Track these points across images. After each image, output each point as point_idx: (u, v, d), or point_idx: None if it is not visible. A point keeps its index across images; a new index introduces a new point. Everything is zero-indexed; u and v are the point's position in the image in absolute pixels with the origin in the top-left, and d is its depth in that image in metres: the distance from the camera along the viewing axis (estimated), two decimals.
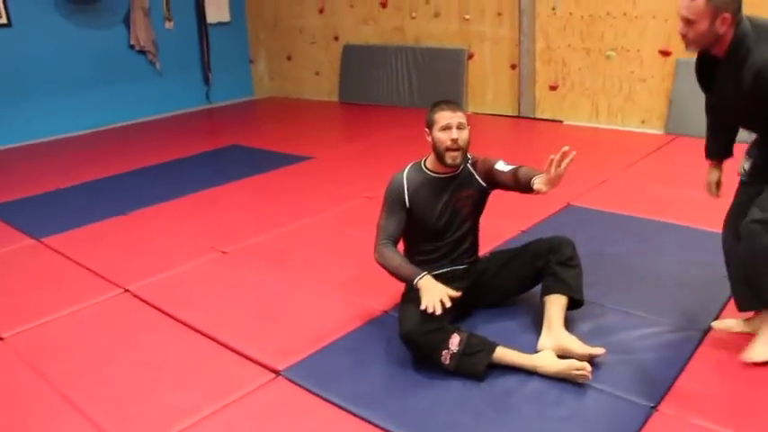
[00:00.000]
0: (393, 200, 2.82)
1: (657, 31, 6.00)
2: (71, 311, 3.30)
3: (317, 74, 8.87)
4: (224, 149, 6.52)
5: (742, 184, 2.69)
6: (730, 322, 2.77)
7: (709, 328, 2.75)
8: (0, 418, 2.50)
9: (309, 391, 2.51)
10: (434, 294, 2.51)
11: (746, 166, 2.65)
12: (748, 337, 2.62)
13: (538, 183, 2.60)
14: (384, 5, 7.88)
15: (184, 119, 8.28)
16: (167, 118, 8.33)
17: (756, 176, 2.58)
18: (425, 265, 2.82)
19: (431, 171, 2.85)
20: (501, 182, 2.82)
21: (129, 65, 8.06)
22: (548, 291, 2.77)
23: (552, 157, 2.50)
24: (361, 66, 8.23)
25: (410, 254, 2.92)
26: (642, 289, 3.13)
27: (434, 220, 2.83)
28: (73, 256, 3.99)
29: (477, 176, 2.87)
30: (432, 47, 7.57)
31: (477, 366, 2.48)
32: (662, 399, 2.34)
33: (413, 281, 2.62)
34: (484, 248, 3.45)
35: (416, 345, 2.54)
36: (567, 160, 2.49)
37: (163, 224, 4.45)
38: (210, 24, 8.72)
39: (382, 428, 2.27)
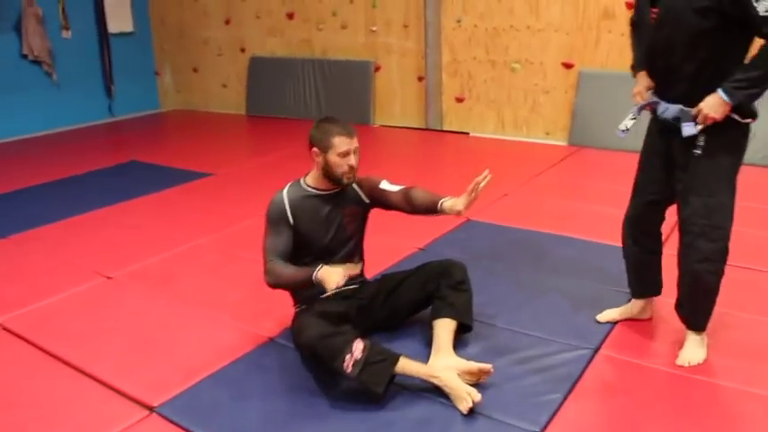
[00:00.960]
0: (276, 219, 2.70)
1: (560, 43, 6.10)
2: None
3: (224, 86, 8.65)
4: (121, 166, 6.23)
5: (645, 171, 2.70)
6: (611, 312, 2.94)
7: (600, 347, 2.75)
8: None
9: (184, 429, 2.36)
10: (336, 275, 2.44)
11: (629, 124, 2.66)
12: (638, 352, 2.67)
13: (453, 205, 2.61)
14: (291, 17, 7.76)
15: (83, 133, 7.90)
16: (65, 132, 7.92)
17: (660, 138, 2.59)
18: (314, 288, 2.66)
19: (313, 188, 2.76)
20: (389, 202, 2.78)
21: (21, 75, 7.61)
22: (437, 314, 2.72)
23: (477, 180, 2.54)
24: (268, 78, 8.07)
25: None
26: (534, 307, 3.10)
27: (320, 238, 2.74)
28: None
29: (360, 194, 2.82)
30: (339, 59, 7.50)
31: (381, 375, 2.38)
32: (547, 424, 2.29)
33: (311, 278, 2.50)
34: (380, 266, 3.41)
35: (319, 351, 2.45)
36: (484, 183, 2.55)
37: (45, 248, 4.17)
38: (112, 34, 8.37)
39: None
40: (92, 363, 2.80)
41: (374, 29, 7.16)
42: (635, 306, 2.93)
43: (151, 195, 5.17)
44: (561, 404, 2.40)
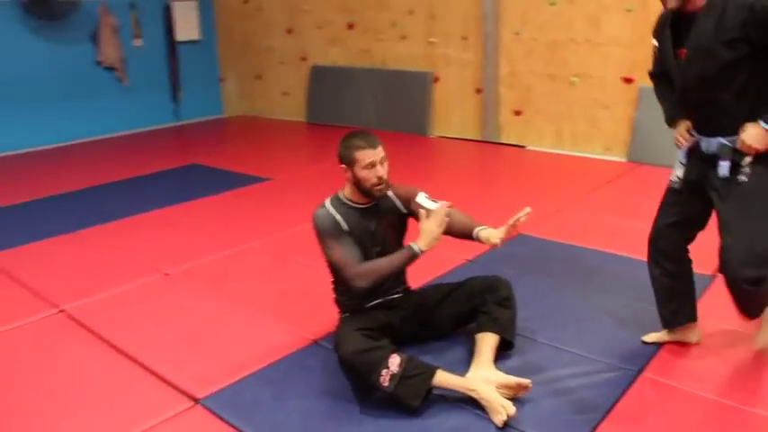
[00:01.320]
0: (333, 232, 2.65)
1: (620, 57, 6.03)
2: (2, 331, 3.23)
3: (285, 94, 8.85)
4: (183, 168, 6.46)
5: (674, 193, 2.71)
6: (658, 334, 2.87)
7: (643, 369, 2.72)
8: None
9: (225, 422, 2.45)
10: (434, 227, 2.53)
11: (680, 173, 2.65)
12: (683, 377, 2.62)
13: (489, 237, 2.66)
14: (351, 27, 7.89)
15: (150, 136, 8.22)
16: (134, 134, 8.26)
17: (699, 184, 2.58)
18: (358, 299, 2.75)
19: (351, 201, 2.75)
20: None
21: (95, 81, 7.99)
22: (480, 328, 2.75)
23: (518, 215, 2.56)
24: (328, 87, 8.22)
25: (341, 290, 2.83)
26: (579, 324, 3.08)
27: (369, 249, 2.72)
28: (14, 272, 3.92)
29: (398, 203, 2.82)
30: (398, 69, 7.59)
31: (418, 389, 2.42)
32: None
33: (413, 255, 2.56)
34: (427, 276, 3.45)
35: (356, 365, 2.47)
36: (523, 218, 2.58)
37: (109, 244, 4.37)
38: (180, 42, 8.68)
39: None
40: (145, 353, 2.94)
41: (433, 40, 7.22)
42: (681, 328, 2.87)
43: (210, 197, 5.35)
44: (597, 424, 2.38)
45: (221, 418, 2.47)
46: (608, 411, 2.44)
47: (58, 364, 2.92)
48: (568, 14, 6.22)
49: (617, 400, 2.51)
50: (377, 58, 7.79)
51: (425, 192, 2.75)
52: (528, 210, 2.57)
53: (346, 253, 2.62)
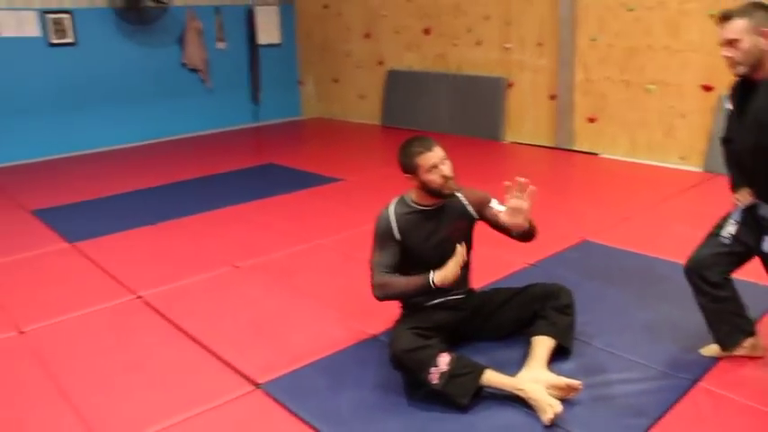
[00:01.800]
0: (384, 236, 2.76)
1: (700, 65, 5.90)
2: (85, 312, 3.49)
3: (361, 97, 9.02)
4: (260, 167, 6.70)
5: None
6: (716, 348, 2.82)
7: (699, 379, 2.69)
8: (2, 404, 2.68)
9: (283, 406, 2.57)
10: (451, 272, 2.57)
11: (732, 230, 2.68)
12: (740, 389, 2.59)
13: (503, 216, 2.65)
14: (428, 33, 7.98)
15: (231, 136, 8.54)
16: (215, 134, 8.61)
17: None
18: (421, 297, 2.82)
19: (418, 204, 2.80)
20: (493, 222, 2.80)
21: (181, 82, 8.39)
22: (537, 332, 2.79)
23: (507, 183, 2.54)
24: (403, 91, 8.34)
25: None
26: (637, 332, 3.07)
27: (426, 253, 2.78)
28: (99, 261, 4.19)
29: (468, 207, 2.85)
30: (473, 74, 7.63)
31: (466, 387, 2.48)
32: None
33: (429, 284, 2.62)
34: (489, 279, 3.50)
35: (405, 363, 2.54)
36: (527, 192, 2.53)
37: (186, 236, 4.61)
38: (261, 46, 8.99)
39: None
40: (212, 338, 3.11)
41: (508, 46, 7.23)
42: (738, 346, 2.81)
43: (284, 196, 5.54)
44: (647, 430, 2.38)
45: (279, 403, 2.59)
46: (659, 419, 2.43)
47: (132, 344, 3.13)
48: (647, 20, 6.13)
49: (669, 408, 2.50)
50: (452, 63, 7.85)
51: (496, 198, 2.83)
52: (528, 187, 2.52)
53: (381, 260, 2.74)
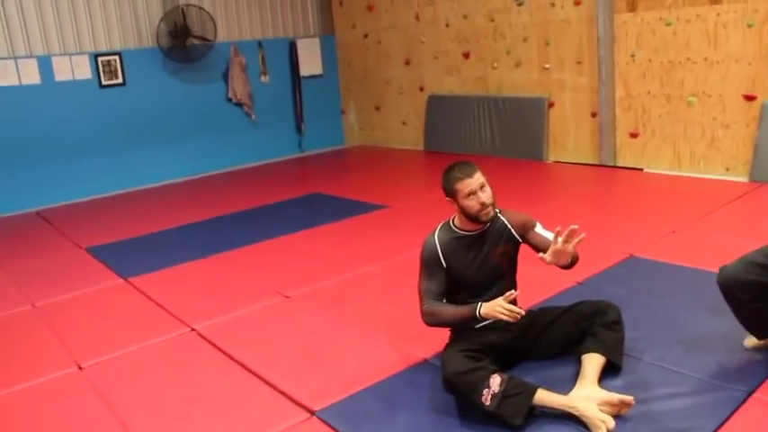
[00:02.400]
0: (430, 263, 2.84)
1: (741, 74, 5.85)
2: (142, 346, 3.61)
3: (403, 123, 9.13)
4: (306, 197, 6.83)
5: None
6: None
7: (755, 390, 2.66)
8: None
9: None
10: (499, 307, 2.60)
11: None
12: None
13: (543, 253, 2.64)
14: (467, 56, 8.07)
15: (276, 167, 8.72)
16: (261, 166, 8.81)
17: None
18: (475, 321, 2.84)
19: (461, 230, 2.87)
20: (537, 246, 2.82)
21: (226, 116, 8.64)
22: (587, 349, 2.79)
23: (558, 229, 2.55)
24: (445, 115, 8.42)
25: None
26: (688, 345, 3.05)
27: (473, 277, 2.85)
28: (153, 295, 4.32)
29: (513, 231, 2.88)
30: (513, 96, 7.67)
31: (519, 407, 2.50)
32: None
33: (475, 314, 2.67)
34: (537, 298, 3.52)
35: (458, 386, 2.58)
36: (576, 240, 2.54)
37: (237, 268, 4.72)
38: (304, 77, 9.20)
39: None
40: (266, 368, 3.19)
41: (547, 66, 7.26)
42: None
43: (330, 224, 5.64)
44: None
45: (335, 429, 2.65)
46: (715, 431, 2.42)
47: (189, 377, 3.23)
48: (685, 33, 6.10)
49: (725, 421, 2.48)
50: (492, 85, 7.91)
51: (540, 221, 2.87)
52: (574, 227, 2.52)
53: (429, 287, 2.83)
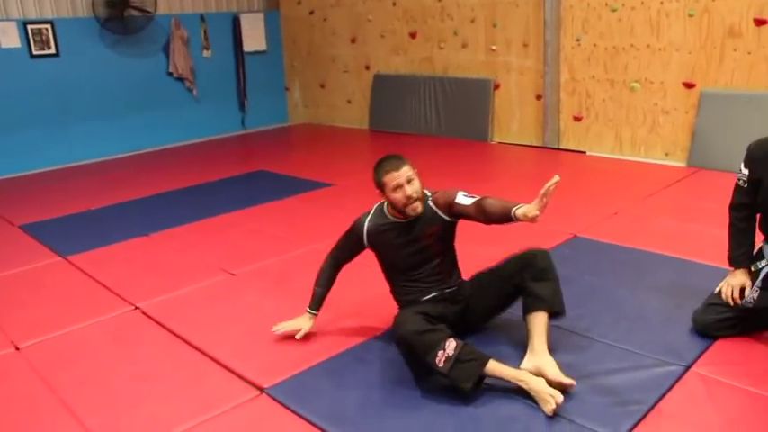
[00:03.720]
0: (349, 239, 3.04)
1: (681, 62, 6.01)
2: (84, 325, 3.49)
3: (348, 102, 9.07)
4: (250, 175, 6.73)
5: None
6: None
7: (692, 364, 2.76)
8: (3, 421, 2.68)
9: (289, 409, 2.61)
10: (291, 325, 3.10)
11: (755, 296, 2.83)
12: (734, 373, 2.68)
13: (526, 212, 2.58)
14: (413, 36, 8.05)
15: (219, 144, 8.56)
16: (203, 143, 8.62)
17: None
18: (412, 295, 2.95)
19: (393, 217, 2.92)
20: (464, 215, 2.82)
21: (167, 92, 8.41)
22: (527, 309, 2.83)
23: (548, 184, 2.53)
24: (391, 94, 8.40)
25: (395, 287, 3.06)
26: (630, 323, 3.14)
27: (402, 261, 2.94)
28: (93, 273, 4.19)
29: (439, 213, 2.89)
30: (459, 77, 7.70)
31: (470, 373, 2.54)
32: None
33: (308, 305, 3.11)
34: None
35: (414, 345, 2.61)
36: (553, 186, 2.53)
37: (180, 246, 4.62)
38: (247, 53, 9.03)
39: None
40: (214, 346, 3.14)
41: (494, 48, 7.31)
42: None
43: (275, 203, 5.57)
44: (645, 416, 2.45)
45: (285, 406, 2.63)
46: (655, 404, 2.51)
47: (134, 355, 3.14)
48: (629, 20, 6.22)
49: (664, 394, 2.57)
50: (438, 65, 7.92)
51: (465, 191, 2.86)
52: (557, 178, 2.53)
53: (336, 252, 3.15)
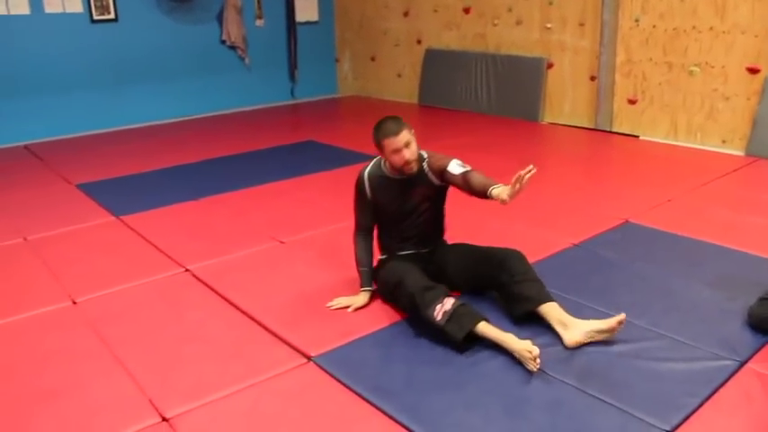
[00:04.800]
0: (359, 194, 3.21)
1: (746, 46, 5.81)
2: (136, 284, 3.58)
3: (398, 75, 9.02)
4: (300, 144, 6.76)
5: None
6: None
7: (748, 360, 2.70)
8: (58, 370, 2.78)
9: (335, 378, 2.64)
10: (347, 301, 3.19)
11: None
12: None
13: (499, 194, 2.74)
14: (467, 12, 7.94)
15: (268, 112, 8.61)
16: (252, 111, 8.68)
17: None
18: (393, 244, 3.25)
19: (389, 172, 3.11)
20: (453, 182, 2.99)
21: (219, 59, 8.47)
22: (538, 304, 2.90)
23: (521, 173, 2.62)
24: (441, 70, 8.32)
25: (381, 234, 3.32)
26: (683, 313, 3.07)
27: (393, 213, 3.17)
28: (145, 234, 4.28)
29: (430, 176, 3.06)
30: (512, 54, 7.58)
31: (463, 326, 2.71)
32: (679, 425, 2.32)
33: (360, 285, 3.23)
34: (533, 258, 3.47)
35: (415, 300, 2.83)
36: (527, 176, 2.63)
37: (229, 211, 4.68)
38: (299, 23, 9.02)
39: (396, 421, 2.37)
40: (262, 312, 3.18)
41: (549, 26, 7.17)
42: None
43: (323, 173, 5.59)
44: (696, 409, 2.40)
45: (331, 375, 2.66)
46: (707, 398, 2.46)
47: (184, 316, 3.21)
48: (693, 1, 6.03)
49: (717, 388, 2.52)
50: (491, 42, 7.81)
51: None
52: (532, 168, 2.64)
53: (359, 220, 3.27)
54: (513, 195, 2.67)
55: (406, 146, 2.93)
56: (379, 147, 3.01)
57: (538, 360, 2.56)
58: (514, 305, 2.96)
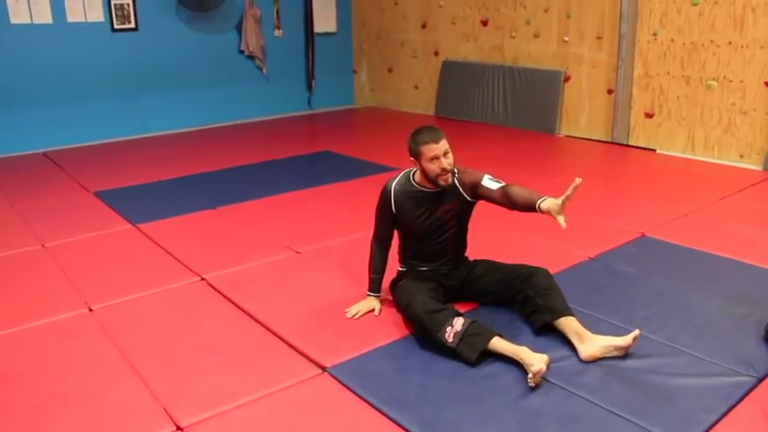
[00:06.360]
0: (382, 206, 3.15)
1: (765, 61, 5.78)
2: (152, 292, 3.60)
3: (415, 87, 9.05)
4: (316, 155, 6.79)
5: None
6: None
7: (765, 377, 2.68)
8: (74, 377, 2.79)
9: (350, 390, 2.64)
10: (363, 306, 3.20)
11: None
12: None
13: (550, 207, 2.73)
14: (485, 24, 7.96)
15: (285, 123, 8.66)
16: (269, 120, 8.74)
17: None
18: (412, 261, 3.20)
19: (418, 185, 3.06)
20: (488, 198, 2.98)
21: (237, 69, 8.54)
22: (557, 316, 2.90)
23: (576, 183, 2.68)
24: (458, 82, 8.34)
25: (402, 248, 3.27)
26: (699, 328, 3.06)
27: (417, 228, 3.10)
28: (162, 243, 4.30)
29: (461, 190, 3.04)
30: (529, 67, 7.59)
31: (476, 347, 2.71)
32: None
33: (368, 289, 3.26)
34: (550, 270, 3.50)
35: (426, 323, 2.82)
36: (573, 188, 2.68)
37: (246, 221, 4.71)
38: (317, 34, 9.09)
39: None
40: (277, 322, 3.19)
41: (566, 39, 7.18)
42: None
43: (340, 183, 5.61)
44: (713, 425, 2.38)
45: (346, 386, 2.66)
46: (724, 414, 2.44)
47: (199, 325, 3.22)
48: (711, 15, 6.02)
49: (735, 405, 2.50)
50: (508, 55, 7.82)
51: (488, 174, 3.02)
52: (578, 181, 2.66)
53: (378, 230, 3.23)
54: (564, 207, 2.69)
55: (445, 155, 2.90)
56: (416, 154, 2.95)
57: (538, 376, 2.56)
58: (535, 316, 2.96)
